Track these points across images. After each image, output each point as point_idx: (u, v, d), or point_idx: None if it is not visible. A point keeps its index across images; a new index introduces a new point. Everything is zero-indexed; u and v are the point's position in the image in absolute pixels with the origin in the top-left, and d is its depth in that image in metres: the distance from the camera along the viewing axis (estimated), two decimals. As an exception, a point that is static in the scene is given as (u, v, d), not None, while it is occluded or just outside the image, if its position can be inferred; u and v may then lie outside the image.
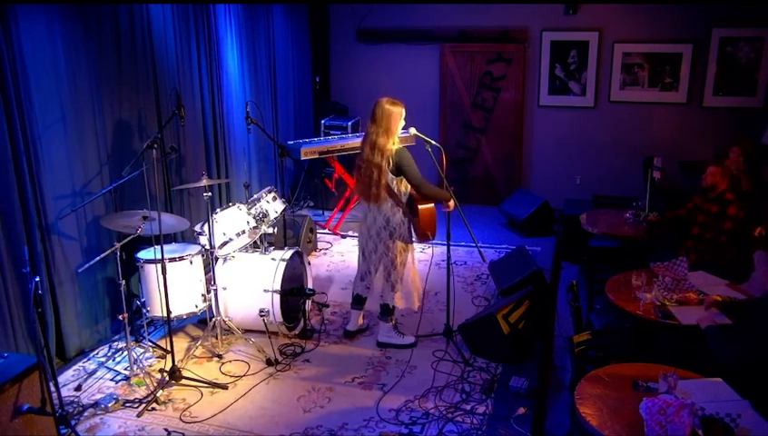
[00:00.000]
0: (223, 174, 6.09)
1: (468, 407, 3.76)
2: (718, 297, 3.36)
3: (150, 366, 4.21)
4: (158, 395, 3.80)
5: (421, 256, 6.23)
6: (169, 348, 3.96)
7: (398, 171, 4.10)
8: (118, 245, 3.95)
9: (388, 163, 4.06)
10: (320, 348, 4.50)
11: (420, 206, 4.15)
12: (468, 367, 4.20)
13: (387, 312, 4.43)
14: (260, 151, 6.89)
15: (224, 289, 4.48)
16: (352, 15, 7.95)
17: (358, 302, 4.60)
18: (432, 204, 4.22)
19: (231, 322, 4.50)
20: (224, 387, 3.98)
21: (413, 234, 4.33)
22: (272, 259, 4.51)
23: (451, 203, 4.30)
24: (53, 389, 3.30)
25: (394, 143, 4.09)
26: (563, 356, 4.24)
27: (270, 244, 4.87)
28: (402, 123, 4.18)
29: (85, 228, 4.39)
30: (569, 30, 7.28)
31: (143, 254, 4.33)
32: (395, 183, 4.15)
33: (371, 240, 4.31)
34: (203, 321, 4.69)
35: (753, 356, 2.80)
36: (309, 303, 4.76)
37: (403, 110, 4.16)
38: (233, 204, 4.63)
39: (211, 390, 3.96)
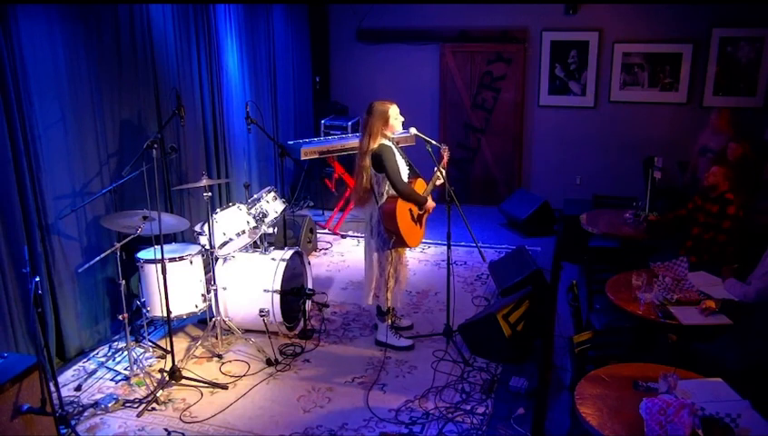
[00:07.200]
0: (223, 174, 6.09)
1: (468, 407, 3.76)
2: (712, 303, 3.39)
3: (150, 366, 4.21)
4: (158, 395, 3.80)
5: (421, 256, 6.24)
6: (169, 348, 3.96)
7: (379, 166, 4.08)
8: (118, 245, 3.95)
9: (372, 162, 4.09)
10: (319, 348, 4.50)
11: (398, 212, 4.10)
12: (468, 367, 4.20)
13: (380, 312, 4.44)
14: (260, 151, 6.89)
15: (224, 289, 4.48)
16: (352, 15, 7.95)
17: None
18: (408, 214, 4.17)
19: (231, 322, 4.50)
20: (224, 387, 3.98)
21: (390, 240, 4.20)
22: (272, 259, 4.51)
23: (429, 204, 4.28)
24: (53, 389, 3.31)
25: (376, 143, 4.08)
26: (563, 356, 4.24)
27: (270, 244, 4.87)
28: (394, 123, 4.12)
29: (85, 228, 4.39)
30: (569, 30, 7.28)
31: (143, 254, 4.33)
32: (384, 185, 4.13)
33: (365, 242, 4.39)
34: (203, 321, 4.69)
35: (756, 357, 2.80)
36: (309, 303, 4.76)
37: (390, 108, 4.10)
38: (233, 204, 4.63)
39: (211, 390, 3.96)
